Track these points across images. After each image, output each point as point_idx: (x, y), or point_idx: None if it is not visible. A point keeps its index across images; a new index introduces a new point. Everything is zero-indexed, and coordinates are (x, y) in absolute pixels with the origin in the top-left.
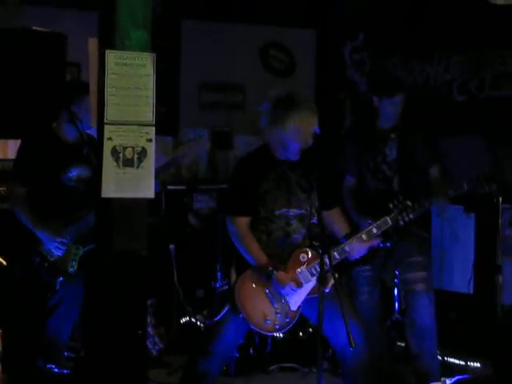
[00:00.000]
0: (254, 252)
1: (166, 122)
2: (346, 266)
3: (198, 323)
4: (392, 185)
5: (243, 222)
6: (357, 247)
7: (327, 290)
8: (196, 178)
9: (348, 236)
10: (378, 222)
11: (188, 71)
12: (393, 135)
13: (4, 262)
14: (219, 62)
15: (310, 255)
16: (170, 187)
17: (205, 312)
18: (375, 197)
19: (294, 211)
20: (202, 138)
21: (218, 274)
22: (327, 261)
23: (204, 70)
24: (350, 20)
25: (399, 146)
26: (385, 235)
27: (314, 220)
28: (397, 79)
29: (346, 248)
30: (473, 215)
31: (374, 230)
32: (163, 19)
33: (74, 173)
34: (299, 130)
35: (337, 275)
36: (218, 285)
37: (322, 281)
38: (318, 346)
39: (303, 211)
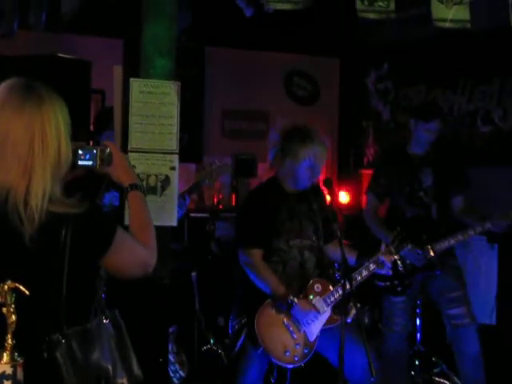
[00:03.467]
0: (272, 281)
1: (190, 149)
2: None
3: (219, 351)
4: (431, 212)
5: (258, 253)
6: (385, 259)
7: (349, 320)
8: (218, 206)
9: (362, 256)
10: (384, 251)
11: (212, 99)
12: (427, 162)
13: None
14: (243, 89)
15: (324, 285)
16: (192, 215)
17: (226, 341)
18: (412, 223)
19: (305, 242)
20: (228, 166)
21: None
22: (342, 288)
23: (227, 97)
24: (374, 49)
25: (434, 174)
26: (429, 264)
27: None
28: (436, 105)
29: (371, 266)
30: (496, 246)
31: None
32: (187, 47)
33: (106, 199)
34: (312, 164)
35: (359, 304)
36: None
37: (343, 310)
38: (340, 379)
39: (313, 242)
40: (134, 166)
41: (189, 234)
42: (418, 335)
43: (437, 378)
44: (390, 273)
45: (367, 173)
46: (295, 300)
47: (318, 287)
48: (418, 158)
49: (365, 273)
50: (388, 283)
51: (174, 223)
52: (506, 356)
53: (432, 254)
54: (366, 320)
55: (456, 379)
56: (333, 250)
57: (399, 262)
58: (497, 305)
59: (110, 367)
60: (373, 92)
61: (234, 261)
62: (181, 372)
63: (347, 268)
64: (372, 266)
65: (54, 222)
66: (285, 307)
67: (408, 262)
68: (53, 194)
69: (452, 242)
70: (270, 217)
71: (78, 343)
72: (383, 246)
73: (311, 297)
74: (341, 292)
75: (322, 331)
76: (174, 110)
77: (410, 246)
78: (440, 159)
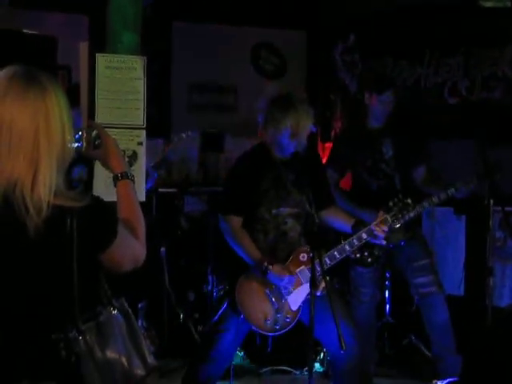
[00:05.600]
0: (249, 248)
1: (157, 124)
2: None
3: (190, 326)
4: (394, 182)
5: (236, 220)
6: (378, 231)
7: (318, 293)
8: (187, 181)
9: (357, 225)
10: (378, 221)
11: (178, 73)
12: (386, 134)
13: None
14: (210, 63)
15: (310, 254)
16: (160, 190)
17: (196, 315)
18: (378, 195)
19: (289, 210)
20: (188, 134)
21: (209, 277)
22: (320, 263)
23: (195, 71)
24: (341, 21)
25: (394, 145)
26: (394, 234)
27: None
28: (387, 77)
29: (347, 247)
30: (463, 217)
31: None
32: (154, 21)
33: (76, 173)
34: (294, 132)
35: (328, 277)
36: (209, 288)
37: (312, 283)
38: (309, 349)
39: (299, 210)
40: (123, 151)
41: (157, 209)
42: (387, 307)
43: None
44: (384, 243)
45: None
46: (269, 266)
47: (303, 256)
48: (377, 131)
49: (356, 242)
50: (358, 255)
51: (142, 198)
52: (474, 327)
53: (398, 224)
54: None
55: (425, 350)
56: (329, 217)
57: None
58: (465, 276)
59: (125, 359)
60: (340, 64)
61: (204, 235)
62: (151, 347)
63: (318, 240)
64: (364, 236)
65: (59, 215)
66: (259, 273)
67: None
68: (57, 187)
69: (418, 210)
70: (254, 184)
71: (95, 338)
72: (380, 213)
73: (298, 268)
74: (329, 262)
75: (305, 301)
76: (141, 85)
77: (411, 215)
78: (399, 131)
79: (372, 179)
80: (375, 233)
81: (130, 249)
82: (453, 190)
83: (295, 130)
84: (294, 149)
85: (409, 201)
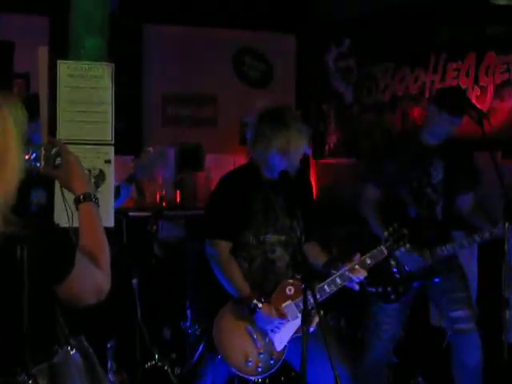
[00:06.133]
0: (237, 281)
1: (127, 140)
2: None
3: (166, 368)
4: (435, 212)
5: (226, 246)
6: (354, 276)
7: (311, 329)
8: (161, 204)
9: (328, 264)
10: (373, 252)
11: (151, 82)
12: (440, 155)
13: None
14: (187, 71)
15: (297, 287)
16: (132, 214)
17: (173, 355)
18: (415, 225)
19: (278, 237)
20: (158, 149)
21: (188, 311)
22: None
23: (169, 80)
24: (334, 23)
25: (445, 168)
26: (431, 270)
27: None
28: (467, 98)
29: (338, 280)
30: (475, 247)
31: (368, 261)
32: (122, 24)
33: (34, 197)
34: (285, 152)
35: (322, 312)
36: (187, 324)
37: (305, 318)
38: None
39: (288, 238)
40: (89, 171)
41: (128, 235)
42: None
43: None
44: (357, 288)
45: (328, 163)
46: (259, 304)
47: (289, 289)
48: (431, 150)
49: (332, 288)
50: (380, 289)
51: (111, 223)
52: (487, 364)
53: (431, 260)
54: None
55: None
56: (309, 253)
57: (394, 264)
58: (478, 308)
59: None
60: (334, 71)
61: (182, 264)
62: None
63: (310, 269)
64: (339, 281)
65: (8, 244)
66: (246, 310)
67: (405, 267)
68: (7, 214)
69: (455, 248)
70: (242, 206)
71: (47, 383)
72: (357, 257)
73: (284, 303)
74: (317, 297)
75: (291, 340)
76: (108, 96)
77: (407, 247)
78: (450, 151)
79: (414, 205)
80: (350, 277)
81: (90, 280)
82: (497, 230)
83: (286, 151)
84: (285, 171)
85: (404, 231)
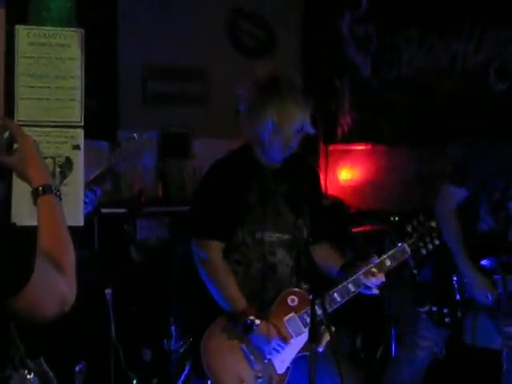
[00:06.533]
0: (230, 291)
1: (100, 121)
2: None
3: None
4: (510, 230)
5: (217, 247)
6: (368, 281)
7: (320, 350)
8: (140, 198)
9: (346, 268)
10: (393, 252)
11: (128, 52)
12: None
13: None
14: (171, 39)
15: (301, 297)
16: (105, 211)
17: (154, 381)
18: (483, 240)
19: (279, 236)
20: (143, 136)
21: (172, 328)
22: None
23: (150, 50)
24: None
25: None
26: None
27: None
28: None
29: (351, 286)
30: None
31: (388, 262)
32: None
33: None
34: (277, 128)
35: (333, 328)
36: (171, 343)
37: (312, 335)
38: None
39: (291, 237)
40: (53, 159)
41: (100, 236)
42: None
43: None
44: (376, 293)
45: (341, 149)
46: (256, 321)
47: (292, 300)
48: None
49: (344, 296)
50: (434, 308)
51: (80, 222)
52: None
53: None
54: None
55: None
56: (318, 256)
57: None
58: None
59: None
60: (349, 39)
61: (165, 271)
62: None
63: (319, 277)
64: (352, 288)
65: None
66: (241, 328)
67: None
68: None
69: None
70: (239, 198)
71: None
72: (374, 259)
73: (286, 316)
74: (328, 307)
75: (298, 360)
76: (77, 68)
77: (436, 243)
78: None
79: (489, 218)
80: (364, 282)
81: (51, 288)
82: None
83: (277, 124)
84: (280, 151)
85: (433, 224)
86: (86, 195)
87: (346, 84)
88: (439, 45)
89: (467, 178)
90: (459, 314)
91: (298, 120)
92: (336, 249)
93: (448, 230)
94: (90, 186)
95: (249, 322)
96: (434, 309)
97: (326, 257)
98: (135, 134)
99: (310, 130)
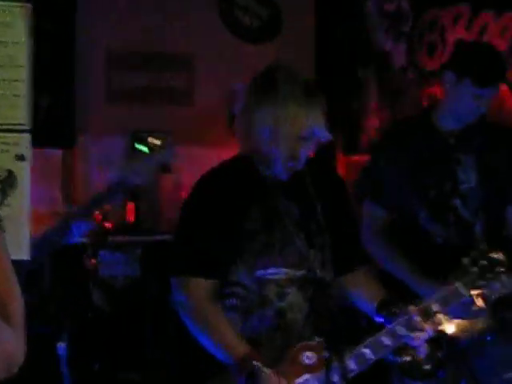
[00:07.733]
0: (225, 335)
1: (53, 124)
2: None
3: None
4: (472, 231)
5: (201, 286)
6: (411, 334)
7: None
8: (103, 226)
9: (384, 308)
10: (443, 291)
11: (90, 34)
12: (469, 146)
13: None
14: (145, 18)
15: (319, 354)
16: None
17: None
18: (444, 253)
19: (289, 272)
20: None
21: None
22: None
23: (117, 32)
24: None
25: (480, 167)
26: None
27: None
28: (503, 60)
29: (385, 340)
30: None
31: (434, 308)
32: None
33: None
34: (277, 133)
35: None
36: None
37: None
38: None
39: (307, 273)
40: None
41: (53, 274)
42: None
43: None
44: (423, 353)
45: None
46: (264, 369)
47: (307, 357)
48: (454, 137)
49: (378, 354)
50: (407, 358)
51: (26, 255)
52: None
53: (480, 303)
54: None
55: None
56: (352, 288)
57: None
58: None
59: None
60: (376, 18)
61: (137, 319)
62: None
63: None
64: (388, 342)
65: None
66: (241, 378)
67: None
68: None
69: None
70: (234, 224)
71: None
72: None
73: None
74: (355, 367)
75: None
76: (23, 55)
77: (503, 280)
78: (489, 143)
79: (434, 225)
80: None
81: None
82: None
83: (275, 129)
84: (282, 164)
85: (500, 256)
86: (78, 224)
87: (372, 76)
88: (495, 25)
89: (376, 190)
90: (440, 356)
91: (301, 123)
92: (375, 276)
93: (378, 253)
94: (89, 209)
95: (255, 367)
96: (408, 358)
97: (364, 288)
98: (152, 139)
99: (324, 137)
